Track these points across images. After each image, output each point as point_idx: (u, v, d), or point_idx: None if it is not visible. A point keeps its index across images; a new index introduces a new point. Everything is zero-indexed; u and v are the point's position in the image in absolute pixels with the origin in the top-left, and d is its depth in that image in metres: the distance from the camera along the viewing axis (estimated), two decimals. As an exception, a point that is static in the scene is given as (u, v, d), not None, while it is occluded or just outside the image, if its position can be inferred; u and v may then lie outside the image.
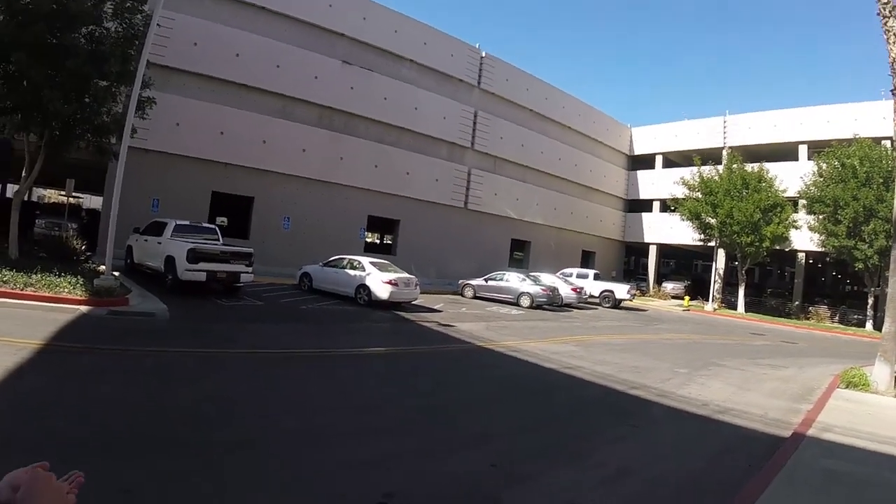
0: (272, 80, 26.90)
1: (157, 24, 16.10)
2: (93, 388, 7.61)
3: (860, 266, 30.91)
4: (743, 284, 37.68)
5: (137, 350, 10.07)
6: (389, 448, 6.67)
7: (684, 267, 59.28)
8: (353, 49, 29.58)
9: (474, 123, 35.07)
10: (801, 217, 35.15)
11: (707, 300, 38.01)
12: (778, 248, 36.55)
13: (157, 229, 18.62)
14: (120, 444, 5.76)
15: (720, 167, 37.30)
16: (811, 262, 41.01)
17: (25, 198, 18.27)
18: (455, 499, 5.29)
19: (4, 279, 12.76)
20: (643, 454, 7.28)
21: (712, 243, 37.49)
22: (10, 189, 46.51)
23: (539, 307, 25.81)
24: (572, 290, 29.06)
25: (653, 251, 47.39)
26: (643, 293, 42.74)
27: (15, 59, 14.26)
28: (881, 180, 29.02)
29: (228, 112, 25.63)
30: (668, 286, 45.51)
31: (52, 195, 48.74)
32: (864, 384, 12.22)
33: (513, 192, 37.46)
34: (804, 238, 35.17)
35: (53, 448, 5.19)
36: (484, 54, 35.84)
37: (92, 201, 42.05)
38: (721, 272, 41.29)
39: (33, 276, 13.30)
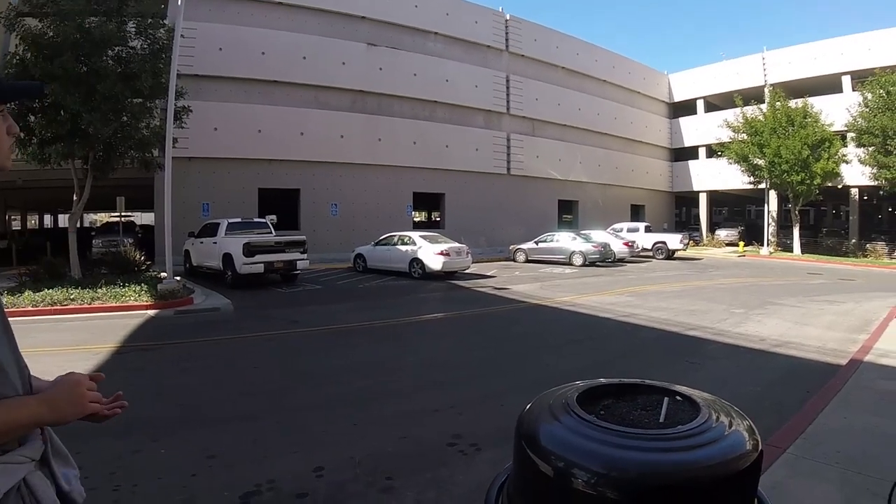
0: (301, 72, 27.13)
1: (182, 36, 16.55)
2: (171, 376, 7.99)
3: None
4: (797, 225, 36.28)
5: (207, 340, 10.49)
6: (454, 397, 6.94)
7: (736, 213, 57.74)
8: (376, 30, 29.53)
9: (507, 88, 34.57)
10: (851, 151, 33.48)
11: (762, 244, 36.68)
12: (830, 185, 34.90)
13: (211, 230, 19.24)
14: (203, 418, 6.20)
15: (763, 106, 35.61)
16: (865, 198, 39.19)
17: (79, 223, 18.83)
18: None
19: (71, 297, 13.33)
20: (700, 386, 7.16)
21: (762, 185, 36.03)
22: (62, 219, 47.98)
23: (592, 264, 25.56)
24: (624, 244, 28.56)
25: (703, 199, 45.93)
26: (696, 242, 41.70)
27: (49, 92, 14.57)
28: None
29: (263, 110, 26.05)
30: (722, 233, 44.02)
31: (103, 217, 50.25)
32: None
33: (555, 153, 36.86)
34: (856, 173, 33.56)
35: (142, 427, 5.49)
36: (508, 17, 35.23)
37: (143, 218, 43.18)
38: (774, 215, 39.75)
39: (98, 290, 13.90)
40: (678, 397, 1.41)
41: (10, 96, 1.62)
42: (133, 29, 16.83)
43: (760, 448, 1.24)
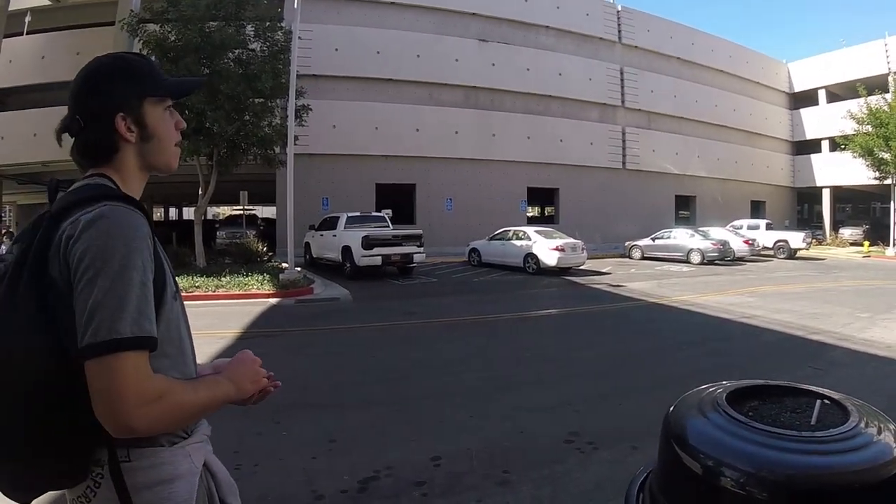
0: (415, 69, 27.62)
1: (299, 38, 17.41)
2: (292, 361, 8.23)
3: None
4: (927, 225, 33.17)
5: (327, 328, 10.86)
6: (570, 393, 6.83)
7: (861, 210, 53.83)
8: (487, 26, 29.60)
9: (622, 80, 33.68)
10: None
11: (888, 245, 33.81)
12: None
13: (330, 224, 19.93)
14: (323, 403, 6.44)
15: (888, 96, 32.55)
16: None
17: (204, 216, 19.85)
18: (636, 436, 5.23)
19: (197, 285, 14.13)
20: None
21: (889, 181, 32.98)
22: (186, 212, 50.35)
23: (710, 263, 24.44)
24: (744, 242, 27.16)
25: (826, 195, 42.71)
26: (819, 241, 38.92)
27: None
28: None
29: (379, 107, 26.72)
30: (846, 232, 40.83)
31: (226, 210, 52.42)
32: None
33: (671, 147, 35.47)
34: None
35: (265, 409, 5.54)
36: (620, 8, 34.28)
37: (264, 211, 44.90)
38: (901, 212, 37.10)
39: (222, 278, 14.64)
40: (826, 401, 1.40)
41: (181, 92, 1.65)
42: (252, 32, 17.70)
43: None
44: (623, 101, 33.78)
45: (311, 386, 6.98)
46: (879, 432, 1.22)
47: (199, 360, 1.60)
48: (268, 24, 18.00)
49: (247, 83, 16.73)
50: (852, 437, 1.18)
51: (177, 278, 1.52)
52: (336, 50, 25.96)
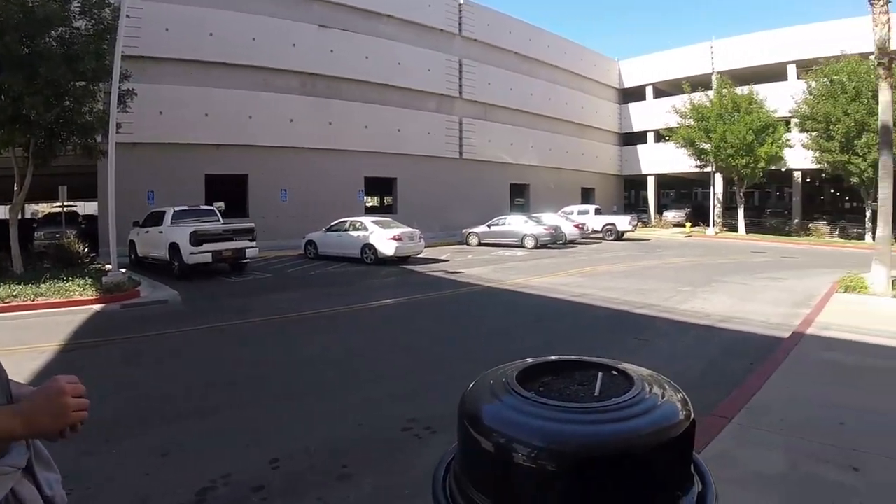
0: (250, 54, 26.40)
1: (127, 16, 15.74)
2: (119, 373, 7.82)
3: (856, 180, 30.67)
4: (742, 207, 37.62)
5: (155, 334, 10.29)
6: (408, 381, 7.09)
7: (683, 195, 59.15)
8: (328, 11, 29.02)
9: (460, 72, 34.53)
10: (795, 136, 34.95)
11: (708, 225, 38.10)
12: (774, 168, 36.36)
13: (156, 219, 18.66)
14: (154, 415, 6.11)
15: (710, 93, 36.91)
16: (808, 180, 40.88)
17: (20, 214, 18.13)
18: None
19: (14, 294, 12.75)
20: (648, 361, 7.36)
21: (709, 169, 37.35)
22: (2, 210, 46.19)
23: (543, 247, 26.06)
24: (574, 226, 29.25)
25: (651, 182, 47.26)
26: (645, 224, 42.91)
27: None
28: (870, 94, 28.11)
29: (210, 93, 25.27)
30: (669, 215, 45.33)
31: (45, 209, 48.37)
32: (861, 287, 12.62)
33: (506, 138, 37.07)
34: (799, 156, 34.98)
35: (92, 427, 5.13)
36: (462, 1, 35.09)
37: (87, 207, 41.84)
38: (720, 197, 41.19)
39: (42, 285, 13.38)
40: (614, 372, 1.45)
41: None
42: (77, 9, 16.05)
43: (692, 418, 1.28)
44: (461, 93, 34.66)
45: (140, 398, 6.70)
46: (663, 397, 1.28)
47: (21, 380, 1.49)
48: (94, 0, 16.31)
49: (68, 65, 15.11)
50: (633, 405, 1.23)
51: None
52: (167, 30, 24.00)
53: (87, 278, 14.33)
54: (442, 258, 22.07)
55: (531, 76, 39.02)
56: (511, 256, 22.76)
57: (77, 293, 13.29)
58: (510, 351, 8.15)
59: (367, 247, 20.37)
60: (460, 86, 34.54)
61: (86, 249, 18.13)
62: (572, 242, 28.77)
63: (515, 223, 27.23)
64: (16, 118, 14.59)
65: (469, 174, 34.47)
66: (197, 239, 16.72)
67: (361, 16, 30.25)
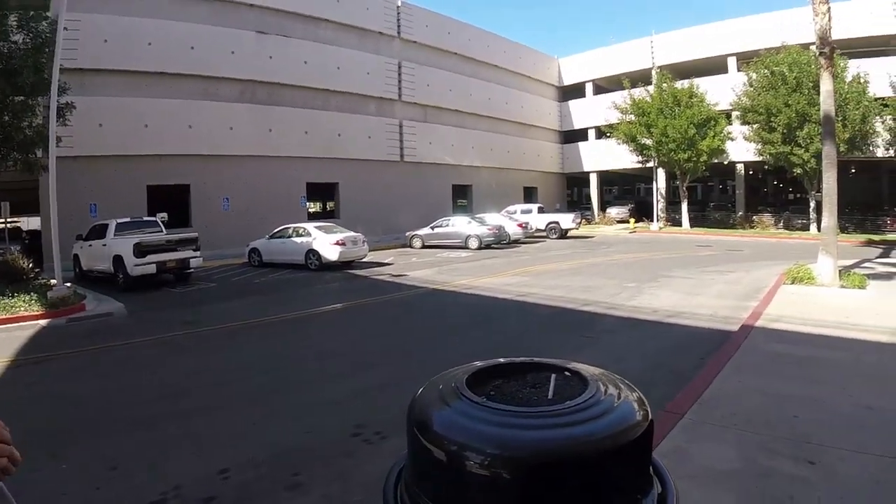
0: (188, 62, 26.40)
1: (65, 28, 15.96)
2: (65, 388, 7.91)
3: (798, 171, 31.08)
4: (685, 201, 38.20)
5: (101, 347, 10.37)
6: (356, 386, 7.18)
7: (627, 191, 60.25)
8: (266, 18, 29.09)
9: (399, 75, 34.92)
10: (736, 129, 35.29)
11: (652, 220, 38.73)
12: (716, 161, 36.76)
13: (99, 232, 18.68)
14: (102, 428, 6.16)
15: (651, 88, 37.43)
16: (751, 172, 41.42)
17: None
18: None
19: None
20: (596, 359, 7.80)
21: (651, 164, 37.80)
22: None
23: (487, 247, 26.38)
24: (518, 225, 29.59)
25: (594, 179, 48.02)
26: (589, 221, 43.42)
27: None
28: (811, 84, 28.73)
29: (149, 103, 25.18)
30: (613, 211, 46.03)
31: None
32: (808, 278, 12.78)
33: (447, 139, 37.64)
34: (741, 149, 35.49)
35: (40, 443, 5.40)
36: (400, 3, 35.46)
37: (30, 223, 40.97)
38: (663, 192, 41.72)
39: None
40: (567, 373, 1.42)
41: None
42: (15, 23, 16.06)
43: (651, 418, 1.26)
44: (400, 95, 35.07)
45: (87, 412, 6.72)
46: (619, 398, 1.25)
47: None
48: (32, 13, 16.36)
49: (6, 80, 15.26)
50: (588, 407, 1.20)
51: None
52: (105, 42, 23.94)
53: (32, 294, 14.39)
54: (386, 262, 22.30)
55: (471, 76, 39.70)
56: (455, 258, 22.95)
57: (22, 309, 13.37)
58: (457, 354, 8.06)
59: (311, 252, 20.58)
60: (399, 88, 34.95)
61: (30, 265, 18.04)
62: (516, 242, 29.16)
63: (459, 224, 27.51)
64: None
65: (411, 177, 35.01)
66: (140, 250, 16.84)
67: (300, 21, 30.44)
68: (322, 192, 35.55)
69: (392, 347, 9.36)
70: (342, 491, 4.47)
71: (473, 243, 26.44)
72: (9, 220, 24.15)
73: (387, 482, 1.35)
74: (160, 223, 19.72)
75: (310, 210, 34.76)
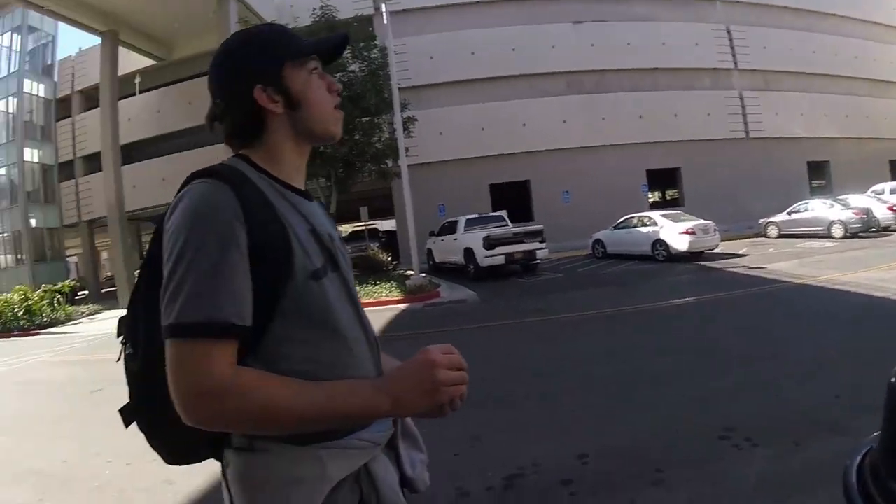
0: (512, 64, 27.45)
1: (394, 52, 18.20)
2: None
3: None
4: None
5: (458, 329, 11.01)
6: (720, 386, 6.30)
7: None
8: (579, 7, 28.79)
9: (730, 40, 31.35)
10: None
11: None
12: None
13: (450, 228, 20.40)
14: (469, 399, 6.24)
15: None
16: None
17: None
18: (794, 430, 4.78)
19: None
20: None
21: None
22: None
23: (854, 235, 22.10)
24: (889, 209, 24.11)
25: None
26: None
27: None
28: None
29: (482, 107, 26.85)
30: None
31: (347, 228, 54.18)
32: None
33: (795, 107, 32.14)
34: None
35: None
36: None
37: (383, 225, 46.15)
38: None
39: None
40: None
41: (321, 50, 1.46)
42: (349, 55, 18.46)
43: None
44: (735, 63, 31.46)
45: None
46: None
47: None
48: (362, 44, 18.84)
49: (353, 104, 17.44)
50: None
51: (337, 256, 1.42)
52: (431, 58, 26.53)
53: (391, 282, 16.58)
54: (740, 252, 20.20)
55: (811, 31, 33.75)
56: (818, 248, 19.83)
57: (384, 295, 15.45)
58: (835, 354, 7.01)
59: (658, 242, 19.44)
60: (733, 56, 31.39)
61: (388, 258, 20.07)
62: (886, 229, 24.46)
63: (819, 209, 23.48)
64: (315, 154, 16.75)
65: (758, 155, 30.73)
66: (490, 243, 17.72)
67: (612, 2, 29.46)
68: (660, 179, 33.11)
69: (755, 345, 7.97)
70: (711, 495, 3.95)
71: (838, 231, 22.34)
72: (367, 222, 27.65)
73: (847, 468, 1.07)
74: (505, 218, 20.64)
75: (650, 199, 32.53)
